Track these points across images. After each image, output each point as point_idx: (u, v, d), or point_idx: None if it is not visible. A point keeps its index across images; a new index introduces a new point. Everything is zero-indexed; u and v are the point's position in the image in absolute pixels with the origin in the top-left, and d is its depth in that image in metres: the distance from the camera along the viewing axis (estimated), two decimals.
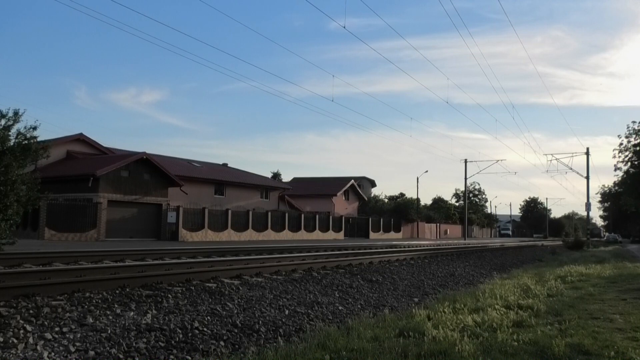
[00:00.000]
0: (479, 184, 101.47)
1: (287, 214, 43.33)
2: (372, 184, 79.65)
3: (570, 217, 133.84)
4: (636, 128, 35.51)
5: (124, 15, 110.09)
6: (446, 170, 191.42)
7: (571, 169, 48.63)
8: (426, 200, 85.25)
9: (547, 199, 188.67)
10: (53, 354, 4.83)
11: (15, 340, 5.01)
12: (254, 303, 7.86)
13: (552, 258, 26.18)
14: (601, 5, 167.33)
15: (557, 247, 40.61)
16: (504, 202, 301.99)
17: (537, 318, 7.36)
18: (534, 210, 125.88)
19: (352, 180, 60.46)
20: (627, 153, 36.52)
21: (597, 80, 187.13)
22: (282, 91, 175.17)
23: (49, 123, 45.67)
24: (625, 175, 38.75)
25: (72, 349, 4.98)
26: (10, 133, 14.76)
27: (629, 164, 36.99)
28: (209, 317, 6.64)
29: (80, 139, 35.81)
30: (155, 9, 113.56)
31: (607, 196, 75.17)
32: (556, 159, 48.32)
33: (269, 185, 48.36)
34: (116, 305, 6.82)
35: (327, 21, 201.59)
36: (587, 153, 46.81)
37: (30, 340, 5.08)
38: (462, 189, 76.56)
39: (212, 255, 16.61)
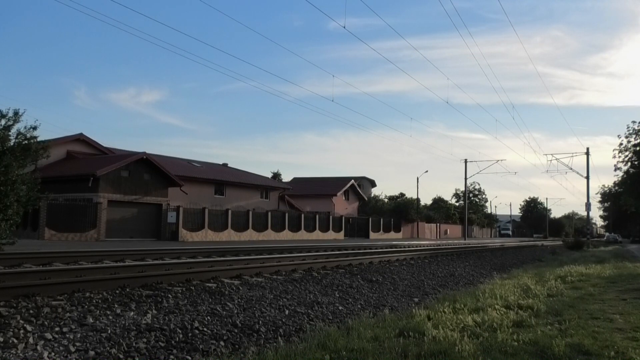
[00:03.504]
0: (479, 184, 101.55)
1: (287, 214, 43.32)
2: (372, 184, 79.60)
3: (570, 217, 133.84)
4: (636, 128, 35.54)
5: (124, 15, 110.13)
6: (446, 170, 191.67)
7: (571, 169, 48.69)
8: (426, 200, 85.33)
9: (547, 199, 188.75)
10: (53, 354, 4.82)
11: (15, 340, 5.01)
12: (254, 303, 7.86)
13: (552, 258, 26.18)
14: (600, 5, 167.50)
15: (557, 247, 40.61)
16: (504, 202, 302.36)
17: (537, 318, 7.36)
18: (534, 210, 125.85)
19: (352, 180, 60.45)
20: (627, 153, 36.54)
21: (597, 80, 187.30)
22: (282, 91, 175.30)
23: (49, 123, 45.80)
24: (625, 175, 38.76)
25: (72, 349, 4.98)
26: (10, 133, 14.79)
27: (629, 164, 37.01)
28: (209, 317, 6.64)
29: (80, 139, 35.80)
30: (155, 9, 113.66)
31: (607, 196, 75.26)
32: (556, 159, 48.37)
33: (269, 185, 48.35)
34: (116, 305, 6.82)
35: (326, 21, 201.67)
36: (587, 153, 46.84)
37: (30, 340, 5.08)
38: (462, 189, 76.60)
39: (212, 255, 16.60)
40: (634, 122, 35.67)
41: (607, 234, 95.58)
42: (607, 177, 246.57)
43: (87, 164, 32.43)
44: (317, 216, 46.63)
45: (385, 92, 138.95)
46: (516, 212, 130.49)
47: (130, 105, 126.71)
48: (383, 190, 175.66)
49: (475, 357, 5.01)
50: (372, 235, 54.21)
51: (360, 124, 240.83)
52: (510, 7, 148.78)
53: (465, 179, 62.64)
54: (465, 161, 60.69)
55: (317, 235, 45.28)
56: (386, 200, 72.44)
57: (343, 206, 57.69)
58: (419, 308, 7.96)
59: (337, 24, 74.83)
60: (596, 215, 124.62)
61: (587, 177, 46.95)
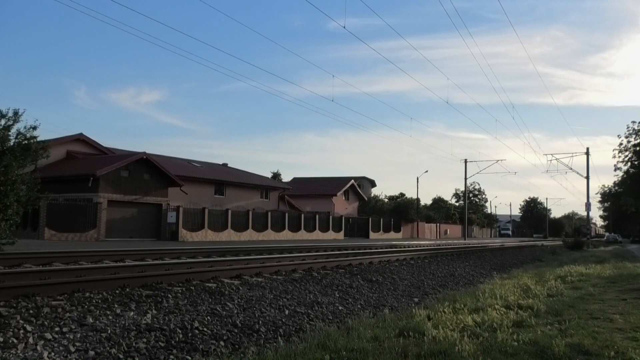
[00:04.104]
0: (479, 184, 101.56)
1: (287, 214, 43.31)
2: (372, 184, 79.59)
3: (570, 217, 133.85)
4: (636, 128, 35.64)
5: (124, 15, 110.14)
6: (446, 170, 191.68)
7: (571, 169, 48.68)
8: (426, 200, 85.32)
9: (547, 199, 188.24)
10: (53, 354, 4.83)
11: (15, 340, 5.00)
12: (254, 303, 7.86)
13: (552, 258, 26.18)
14: (600, 5, 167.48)
15: (557, 247, 40.60)
16: (504, 202, 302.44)
17: (537, 318, 7.36)
18: (534, 210, 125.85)
19: (352, 180, 60.45)
20: (627, 153, 36.64)
21: (597, 80, 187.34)
22: (282, 91, 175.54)
23: (49, 123, 45.85)
24: (625, 175, 38.84)
25: (72, 349, 4.98)
26: (10, 133, 14.82)
27: (629, 164, 37.10)
28: (209, 317, 6.64)
29: (80, 139, 35.79)
30: (155, 9, 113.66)
31: (607, 196, 75.21)
32: (556, 159, 48.35)
33: (269, 185, 48.35)
34: (116, 305, 6.82)
35: (326, 21, 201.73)
36: (587, 153, 46.84)
37: (30, 340, 5.08)
38: (462, 189, 76.63)
39: (212, 255, 16.60)
40: (634, 122, 35.81)
41: (607, 234, 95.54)
42: (607, 177, 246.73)
43: (87, 164, 32.43)
44: (317, 216, 46.63)
45: (385, 92, 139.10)
46: (516, 212, 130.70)
47: (130, 105, 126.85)
48: (383, 190, 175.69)
49: (475, 357, 5.01)
50: (372, 235, 54.21)
51: (360, 124, 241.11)
52: (510, 7, 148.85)
53: (465, 179, 62.73)
54: (465, 161, 60.76)
55: (317, 235, 45.28)
56: (386, 200, 72.46)
57: (343, 206, 57.70)
58: (419, 308, 7.96)
59: (337, 24, 74.83)
60: (596, 215, 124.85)
61: (587, 177, 46.98)
